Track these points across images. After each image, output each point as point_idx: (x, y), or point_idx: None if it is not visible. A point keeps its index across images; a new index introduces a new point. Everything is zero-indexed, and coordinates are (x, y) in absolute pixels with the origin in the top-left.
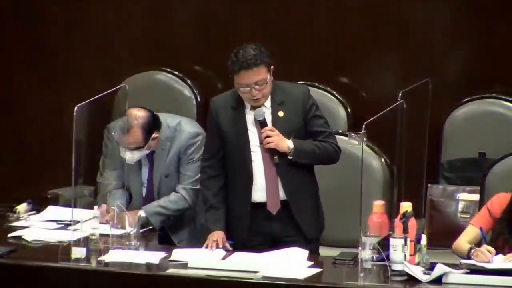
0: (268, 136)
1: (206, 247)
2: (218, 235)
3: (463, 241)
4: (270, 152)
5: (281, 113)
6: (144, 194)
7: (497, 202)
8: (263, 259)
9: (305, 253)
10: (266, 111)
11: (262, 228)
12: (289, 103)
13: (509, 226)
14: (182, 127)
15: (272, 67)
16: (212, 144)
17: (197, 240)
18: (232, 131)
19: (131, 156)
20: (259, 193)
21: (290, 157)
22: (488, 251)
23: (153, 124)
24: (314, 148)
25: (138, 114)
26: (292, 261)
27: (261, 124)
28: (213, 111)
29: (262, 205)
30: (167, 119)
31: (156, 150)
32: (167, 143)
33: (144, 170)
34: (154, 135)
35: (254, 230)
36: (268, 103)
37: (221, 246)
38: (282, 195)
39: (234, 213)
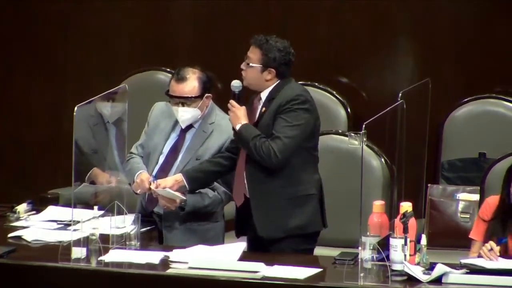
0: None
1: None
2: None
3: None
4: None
5: (263, 109)
6: (159, 165)
7: (487, 207)
8: (195, 251)
9: (241, 246)
10: (261, 103)
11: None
12: (275, 102)
13: (502, 225)
14: (221, 123)
15: (208, 95)
16: None
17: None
18: None
19: (182, 115)
20: None
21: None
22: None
23: (210, 83)
24: (250, 141)
25: (196, 70)
26: (222, 255)
27: (233, 96)
28: None
29: None
30: (218, 109)
31: (197, 128)
32: (210, 128)
33: (169, 142)
34: (208, 94)
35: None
36: (265, 95)
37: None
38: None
39: None
